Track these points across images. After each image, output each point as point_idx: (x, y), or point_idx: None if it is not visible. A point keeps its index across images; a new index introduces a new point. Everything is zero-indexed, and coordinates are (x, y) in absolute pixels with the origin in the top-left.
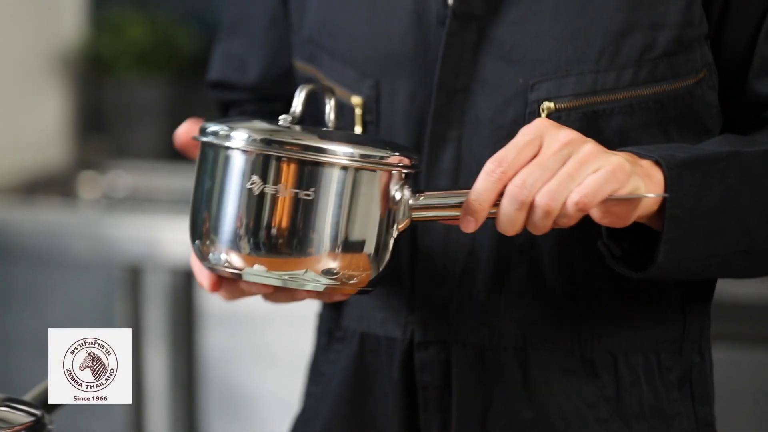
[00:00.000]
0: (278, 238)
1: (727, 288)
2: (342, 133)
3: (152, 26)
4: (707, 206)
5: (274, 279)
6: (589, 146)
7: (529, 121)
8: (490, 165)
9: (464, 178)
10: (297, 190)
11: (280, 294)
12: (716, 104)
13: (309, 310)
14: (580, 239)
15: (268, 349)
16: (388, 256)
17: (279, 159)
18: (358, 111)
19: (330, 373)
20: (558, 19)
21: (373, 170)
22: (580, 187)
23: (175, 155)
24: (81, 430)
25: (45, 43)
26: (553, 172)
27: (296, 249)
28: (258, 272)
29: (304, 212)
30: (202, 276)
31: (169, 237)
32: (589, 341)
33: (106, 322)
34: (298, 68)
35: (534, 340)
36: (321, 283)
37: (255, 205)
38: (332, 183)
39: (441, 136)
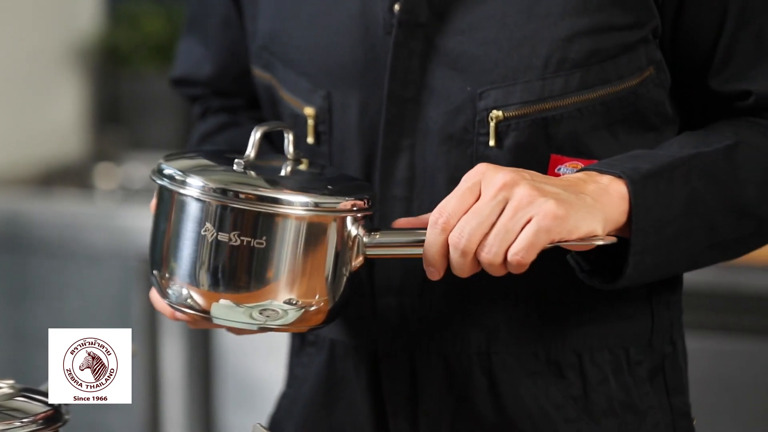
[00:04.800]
0: (234, 281)
1: (692, 276)
2: (297, 174)
3: (169, 18)
4: (673, 212)
5: (241, 317)
6: (524, 189)
7: (479, 129)
8: (433, 216)
9: (419, 187)
10: (249, 239)
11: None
12: (664, 101)
13: None
14: None
15: (285, 341)
16: (341, 292)
17: (230, 209)
18: (310, 122)
19: (303, 376)
20: (504, 28)
21: (326, 219)
22: (514, 243)
23: None
24: (98, 420)
25: (62, 35)
26: (491, 220)
27: (252, 289)
28: (224, 308)
29: (257, 258)
30: (163, 308)
31: None
32: (554, 343)
33: (123, 313)
34: (256, 75)
35: (497, 345)
36: (280, 313)
37: (208, 251)
38: (284, 232)
39: (394, 146)
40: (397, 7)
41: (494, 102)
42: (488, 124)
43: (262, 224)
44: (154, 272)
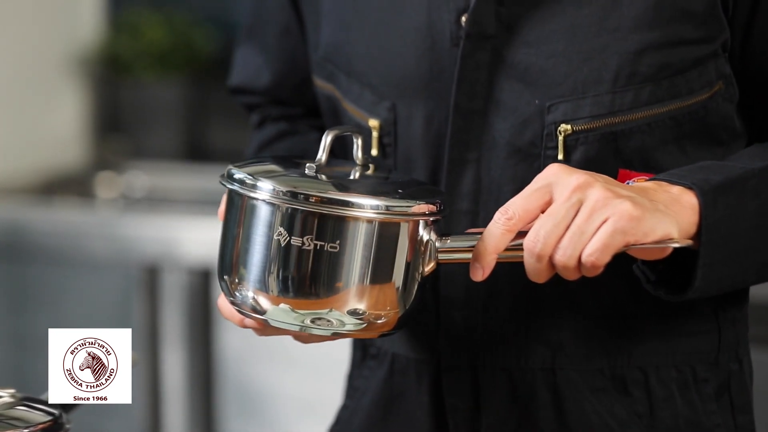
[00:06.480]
0: (304, 284)
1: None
2: (368, 179)
3: (170, 27)
4: (743, 225)
5: (295, 323)
6: (599, 191)
7: (547, 142)
8: (496, 213)
9: (484, 200)
10: (323, 243)
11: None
12: (732, 115)
13: None
14: None
15: (285, 349)
16: (413, 299)
17: (305, 212)
18: (375, 134)
19: (363, 388)
20: (573, 41)
21: (400, 222)
22: (589, 244)
23: (192, 155)
24: (98, 429)
25: (63, 43)
26: (566, 222)
27: (322, 295)
28: (282, 312)
29: (330, 263)
30: (232, 315)
31: (187, 237)
32: (619, 359)
33: (124, 321)
34: (318, 86)
35: (562, 361)
36: (345, 323)
37: (281, 255)
38: (358, 235)
39: (460, 158)
40: (464, 18)
41: (563, 115)
42: (557, 137)
43: (336, 228)
44: (225, 277)
